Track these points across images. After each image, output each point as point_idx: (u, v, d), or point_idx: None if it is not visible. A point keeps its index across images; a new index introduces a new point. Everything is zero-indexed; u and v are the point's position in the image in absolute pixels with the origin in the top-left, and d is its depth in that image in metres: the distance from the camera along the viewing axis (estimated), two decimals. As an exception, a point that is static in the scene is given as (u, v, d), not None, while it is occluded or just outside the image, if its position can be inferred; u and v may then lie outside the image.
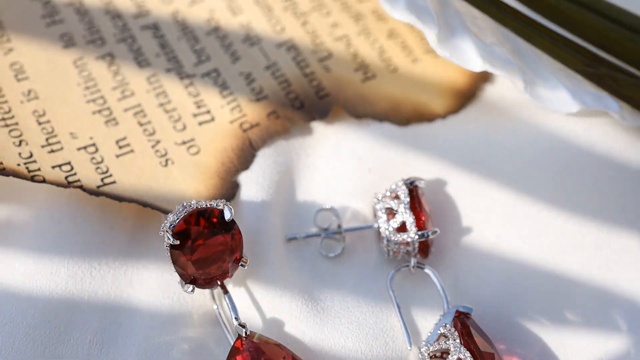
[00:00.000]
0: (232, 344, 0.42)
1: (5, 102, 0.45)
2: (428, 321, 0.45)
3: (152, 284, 0.44)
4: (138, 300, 0.44)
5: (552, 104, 0.46)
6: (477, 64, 0.44)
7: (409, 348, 0.44)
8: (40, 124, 0.45)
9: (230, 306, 0.42)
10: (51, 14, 0.48)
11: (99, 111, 0.46)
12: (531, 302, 0.46)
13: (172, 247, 0.41)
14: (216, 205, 0.42)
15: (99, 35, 0.48)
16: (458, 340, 0.42)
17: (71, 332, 0.42)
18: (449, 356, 0.41)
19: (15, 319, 0.42)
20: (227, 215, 0.41)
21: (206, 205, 0.41)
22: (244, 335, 0.41)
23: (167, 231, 0.41)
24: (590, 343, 0.45)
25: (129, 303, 0.44)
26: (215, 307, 0.43)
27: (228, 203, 0.42)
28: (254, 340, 0.41)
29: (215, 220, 0.41)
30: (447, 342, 0.42)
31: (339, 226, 0.46)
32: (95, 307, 0.43)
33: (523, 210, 0.46)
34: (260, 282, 0.45)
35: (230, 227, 0.42)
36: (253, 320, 0.43)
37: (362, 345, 0.44)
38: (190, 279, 0.42)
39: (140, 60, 0.48)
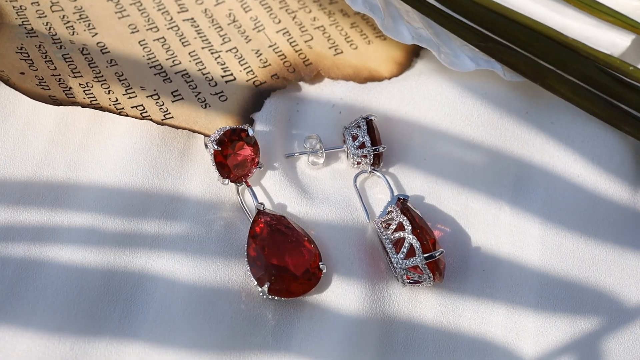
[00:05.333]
0: (251, 221, 0.53)
1: (96, 66, 0.58)
2: (380, 206, 0.56)
3: (198, 183, 0.54)
4: (189, 192, 0.54)
5: (458, 66, 0.58)
6: (408, 39, 0.58)
7: (368, 221, 0.55)
8: (120, 80, 0.57)
9: (252, 194, 0.55)
10: (121, 9, 0.61)
11: (159, 73, 0.59)
12: (448, 195, 0.56)
13: (215, 152, 0.54)
14: (242, 127, 0.56)
15: (155, 25, 0.62)
16: (399, 212, 0.53)
17: (146, 212, 0.52)
18: (393, 221, 0.53)
19: (114, 187, 0.52)
20: (250, 133, 0.55)
21: (236, 127, 0.56)
22: (261, 209, 0.54)
23: (212, 141, 0.55)
24: (485, 221, 0.56)
25: (183, 195, 0.54)
26: (239, 199, 0.54)
27: (250, 125, 0.56)
28: (267, 212, 0.54)
29: (243, 135, 0.55)
30: (392, 214, 0.54)
31: (321, 147, 0.56)
32: (160, 196, 0.53)
33: (440, 134, 0.57)
34: (270, 181, 0.56)
35: (252, 141, 0.56)
36: (265, 205, 0.54)
37: (337, 218, 0.55)
38: (226, 175, 0.55)
39: (184, 42, 0.61)
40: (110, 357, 0.48)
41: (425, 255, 0.52)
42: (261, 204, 0.55)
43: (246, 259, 0.52)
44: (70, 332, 0.49)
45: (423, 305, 0.54)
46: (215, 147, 0.55)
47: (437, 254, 0.52)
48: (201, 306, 0.50)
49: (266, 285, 0.52)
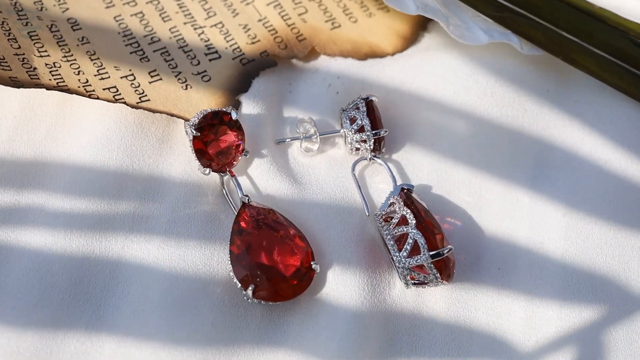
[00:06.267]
0: (236, 213, 0.51)
1: (66, 45, 0.56)
2: (381, 198, 0.54)
3: (179, 173, 0.53)
4: (168, 183, 0.52)
5: (470, 39, 0.56)
6: (413, 10, 0.56)
7: (367, 214, 0.53)
8: (92, 60, 0.55)
9: (236, 185, 0.52)
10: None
11: (135, 52, 0.57)
12: (458, 184, 0.54)
13: (194, 138, 0.52)
14: (225, 109, 0.53)
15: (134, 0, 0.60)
16: (402, 204, 0.51)
17: (120, 204, 0.51)
18: (395, 214, 0.51)
19: (85, 177, 0.51)
20: (234, 116, 0.52)
21: (218, 109, 0.53)
22: (246, 202, 0.51)
23: (190, 126, 0.52)
24: (501, 212, 0.53)
25: (161, 186, 0.52)
26: (223, 190, 0.52)
27: (234, 108, 0.53)
28: (253, 205, 0.51)
29: (226, 119, 0.52)
30: (394, 206, 0.51)
31: (315, 132, 0.55)
32: (136, 188, 0.52)
33: (450, 115, 0.56)
34: (257, 170, 0.54)
35: (236, 125, 0.53)
36: (251, 196, 0.52)
37: (332, 211, 0.52)
38: (207, 164, 0.52)
39: (164, 17, 0.59)
40: (84, 352, 0.48)
41: (432, 252, 0.49)
42: (246, 195, 0.52)
43: (229, 258, 0.50)
44: (41, 325, 0.48)
45: (430, 308, 0.51)
46: (194, 132, 0.52)
47: (445, 251, 0.50)
48: (180, 304, 0.49)
49: (251, 288, 0.49)
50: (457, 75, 0.58)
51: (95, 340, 0.48)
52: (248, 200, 0.52)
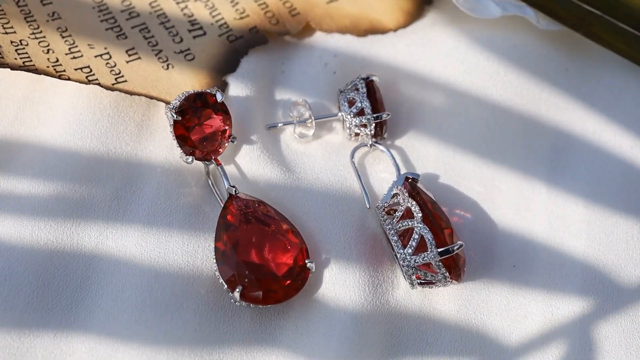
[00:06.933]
0: (222, 206, 0.49)
1: (34, 20, 0.53)
2: (383, 188, 0.52)
3: (160, 161, 0.51)
4: (148, 173, 0.51)
5: (480, 12, 0.55)
6: None
7: (368, 207, 0.51)
8: (63, 37, 0.53)
9: (222, 175, 0.50)
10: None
11: (112, 28, 0.54)
12: (469, 173, 0.53)
13: (175, 122, 0.49)
14: (210, 90, 0.50)
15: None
16: (407, 195, 0.49)
17: (95, 195, 0.50)
18: (399, 207, 0.49)
19: (56, 166, 0.50)
20: (220, 98, 0.50)
21: (202, 91, 0.50)
22: (233, 193, 0.49)
23: (170, 110, 0.49)
24: (515, 204, 0.52)
25: (141, 175, 0.51)
26: (209, 181, 0.51)
27: (219, 89, 0.50)
28: (241, 197, 0.49)
29: (211, 101, 0.50)
30: (398, 198, 0.50)
31: (310, 116, 0.53)
32: (112, 178, 0.50)
33: (458, 97, 0.54)
34: (246, 159, 0.52)
35: (222, 108, 0.50)
36: (240, 187, 0.50)
37: (329, 203, 0.51)
38: (190, 152, 0.50)
39: None
40: (58, 351, 0.47)
41: (440, 249, 0.48)
42: (233, 186, 0.50)
43: (214, 255, 0.48)
44: (3, 332, 0.47)
45: (438, 311, 0.50)
46: (175, 116, 0.50)
47: (454, 248, 0.48)
48: (160, 306, 0.48)
49: (238, 290, 0.47)
50: (466, 52, 0.57)
51: (65, 348, 0.47)
52: (235, 191, 0.50)
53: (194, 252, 0.49)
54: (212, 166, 0.51)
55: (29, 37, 0.52)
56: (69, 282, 0.48)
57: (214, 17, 0.55)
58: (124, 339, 0.47)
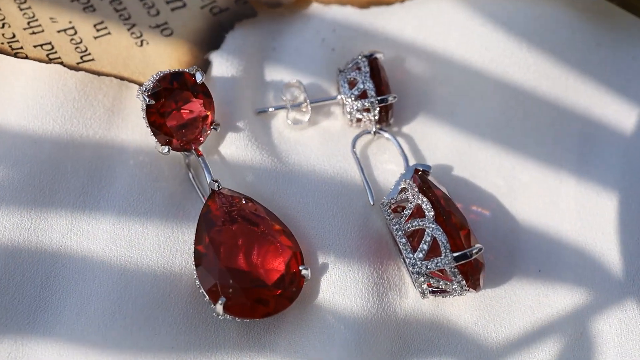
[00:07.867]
0: (204, 203, 0.46)
1: None
2: (389, 182, 0.49)
3: (133, 150, 0.49)
4: (120, 164, 0.48)
5: None
6: None
7: (372, 204, 0.48)
8: (21, 10, 0.50)
9: (204, 167, 0.47)
10: None
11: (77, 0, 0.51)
12: (486, 164, 0.50)
13: (148, 107, 0.45)
14: (189, 70, 0.46)
15: None
16: (416, 190, 0.46)
17: (58, 186, 0.47)
18: (408, 204, 0.46)
19: (13, 157, 0.48)
20: (199, 78, 0.46)
21: (179, 70, 0.46)
22: (216, 189, 0.46)
23: (142, 92, 0.45)
24: (540, 199, 0.49)
25: (111, 167, 0.49)
26: (189, 174, 0.48)
27: (199, 69, 0.47)
28: (225, 193, 0.46)
29: (190, 82, 0.46)
30: (406, 193, 0.47)
31: (305, 99, 0.50)
32: (78, 170, 0.48)
33: (474, 80, 0.52)
34: (231, 149, 0.50)
35: (202, 90, 0.47)
36: (224, 182, 0.48)
37: (327, 199, 0.48)
38: (166, 141, 0.46)
39: None
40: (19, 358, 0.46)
41: (456, 254, 0.45)
42: (216, 181, 0.47)
43: (194, 261, 0.45)
44: None
45: (453, 323, 0.48)
46: (147, 100, 0.46)
47: (473, 252, 0.45)
48: (132, 320, 0.46)
49: (221, 302, 0.44)
50: (483, 26, 0.54)
51: (31, 347, 0.45)
52: (219, 186, 0.47)
53: (172, 256, 0.47)
54: (192, 157, 0.49)
55: (-20, 10, 0.49)
56: (26, 292, 0.46)
57: (195, -14, 0.52)
58: (90, 358, 0.44)
